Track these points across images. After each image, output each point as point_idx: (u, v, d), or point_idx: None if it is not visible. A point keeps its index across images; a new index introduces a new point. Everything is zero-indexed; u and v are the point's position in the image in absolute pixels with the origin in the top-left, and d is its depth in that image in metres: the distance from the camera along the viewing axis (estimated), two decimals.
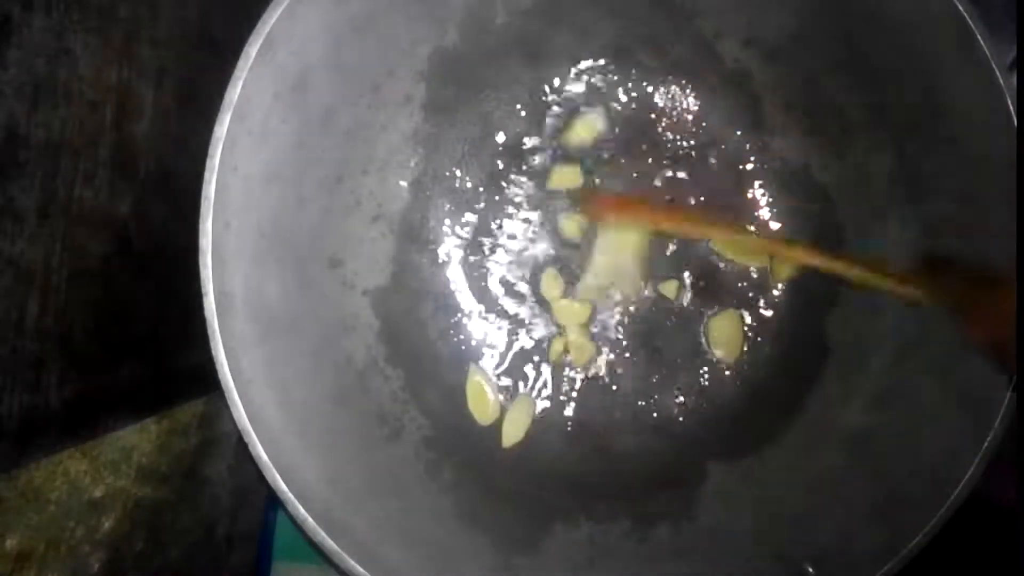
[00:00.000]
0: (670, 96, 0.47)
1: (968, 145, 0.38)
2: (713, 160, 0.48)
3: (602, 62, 0.47)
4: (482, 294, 0.48)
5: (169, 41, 0.39)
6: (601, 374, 0.47)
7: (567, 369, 0.47)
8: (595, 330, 0.48)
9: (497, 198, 0.48)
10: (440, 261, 0.48)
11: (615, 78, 0.47)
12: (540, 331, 0.48)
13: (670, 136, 0.48)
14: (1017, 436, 0.36)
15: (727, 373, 0.47)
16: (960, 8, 0.36)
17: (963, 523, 0.36)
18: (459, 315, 0.48)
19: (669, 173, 0.48)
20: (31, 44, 0.31)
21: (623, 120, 0.48)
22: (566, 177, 0.48)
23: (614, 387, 0.47)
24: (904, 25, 0.38)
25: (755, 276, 0.47)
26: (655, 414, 0.47)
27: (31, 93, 0.31)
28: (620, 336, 0.48)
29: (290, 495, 0.36)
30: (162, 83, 0.39)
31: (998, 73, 0.36)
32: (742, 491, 0.44)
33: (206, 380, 0.37)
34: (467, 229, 0.48)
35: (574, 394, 0.47)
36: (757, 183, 0.47)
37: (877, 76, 0.41)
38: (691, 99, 0.47)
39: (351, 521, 0.37)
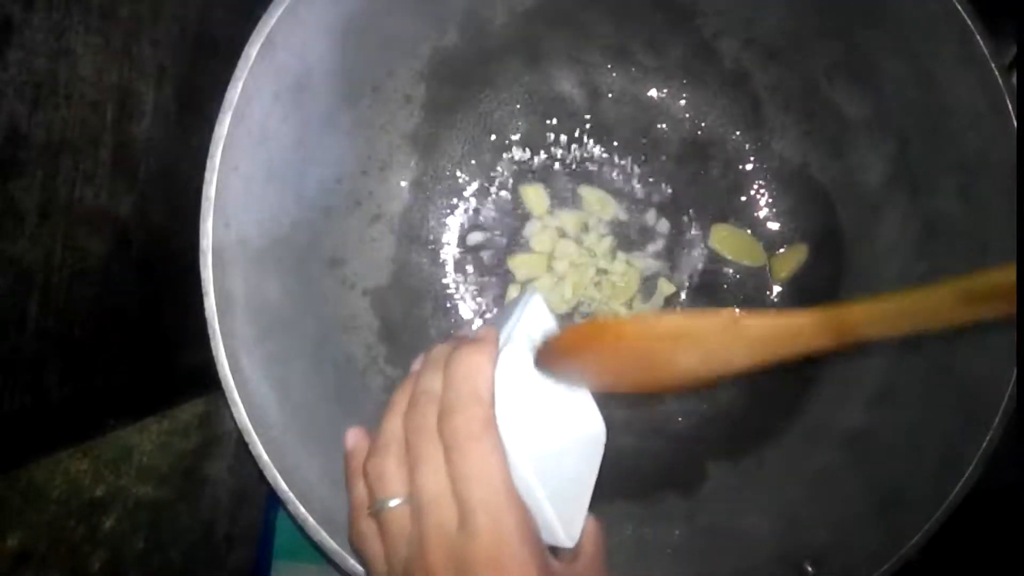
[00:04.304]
0: (670, 96, 0.47)
1: (968, 145, 0.38)
2: (713, 160, 0.48)
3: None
4: (482, 293, 0.48)
5: (169, 41, 0.39)
6: None
7: None
8: None
9: (497, 198, 0.48)
10: (440, 261, 0.48)
11: (615, 77, 0.47)
12: None
13: (670, 136, 0.48)
14: (1017, 435, 0.36)
15: None
16: (960, 8, 0.36)
17: (964, 516, 0.36)
18: (459, 315, 0.48)
19: (669, 173, 0.48)
20: (31, 44, 0.31)
21: (624, 120, 0.48)
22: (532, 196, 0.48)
23: None
24: (904, 25, 0.38)
25: (754, 275, 0.47)
26: (655, 415, 0.47)
27: (32, 93, 0.31)
28: None
29: (291, 495, 0.36)
30: (162, 83, 0.39)
31: (998, 73, 0.36)
32: (742, 491, 0.44)
33: (206, 380, 0.37)
34: (467, 229, 0.48)
35: None
36: (757, 183, 0.48)
37: (877, 76, 0.41)
38: (691, 99, 0.47)
39: None
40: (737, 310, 0.28)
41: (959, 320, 0.25)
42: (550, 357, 0.30)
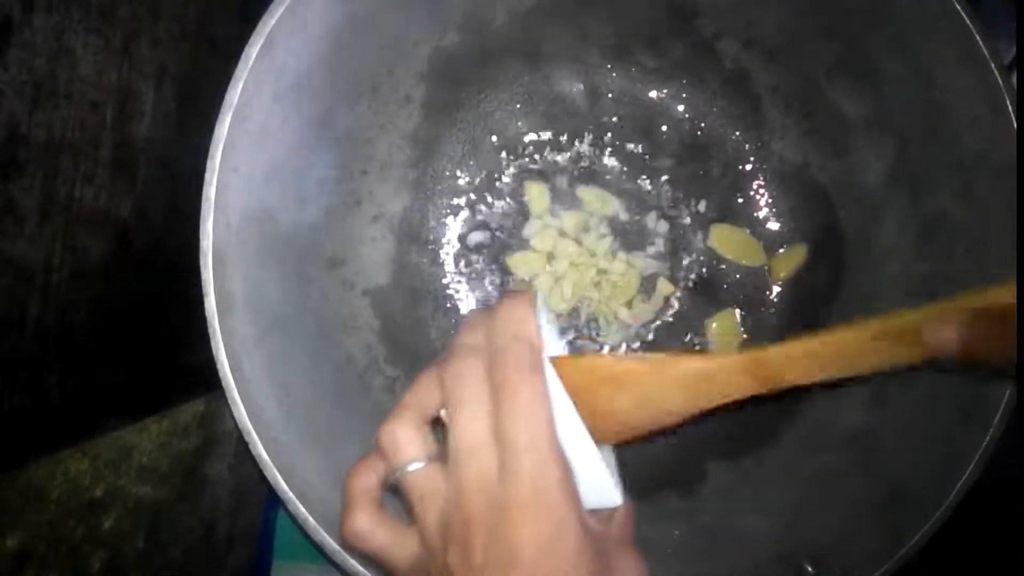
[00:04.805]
0: (670, 96, 0.47)
1: (968, 145, 0.38)
2: (713, 160, 0.48)
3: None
4: (482, 293, 0.48)
5: (169, 41, 0.39)
6: None
7: None
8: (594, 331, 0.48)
9: (497, 198, 0.48)
10: (440, 261, 0.48)
11: (615, 77, 0.47)
12: None
13: (670, 136, 0.48)
14: (1017, 435, 0.36)
15: None
16: (959, 8, 0.36)
17: (964, 516, 0.36)
18: (459, 314, 0.48)
19: (669, 173, 0.48)
20: (31, 44, 0.31)
21: (624, 120, 0.48)
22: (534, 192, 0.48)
23: None
24: (904, 25, 0.38)
25: (754, 275, 0.47)
26: None
27: (31, 93, 0.31)
28: (619, 336, 0.48)
29: (291, 495, 0.36)
30: (162, 83, 0.39)
31: (998, 73, 0.36)
32: (742, 491, 0.44)
33: (206, 380, 0.37)
34: (467, 229, 0.48)
35: None
36: (757, 183, 0.48)
37: (877, 76, 0.41)
38: (691, 99, 0.47)
39: None
40: (666, 355, 0.28)
41: (881, 363, 0.25)
42: None
